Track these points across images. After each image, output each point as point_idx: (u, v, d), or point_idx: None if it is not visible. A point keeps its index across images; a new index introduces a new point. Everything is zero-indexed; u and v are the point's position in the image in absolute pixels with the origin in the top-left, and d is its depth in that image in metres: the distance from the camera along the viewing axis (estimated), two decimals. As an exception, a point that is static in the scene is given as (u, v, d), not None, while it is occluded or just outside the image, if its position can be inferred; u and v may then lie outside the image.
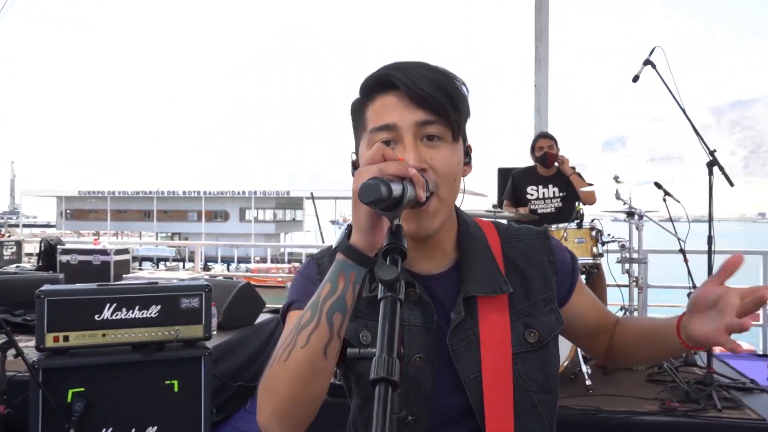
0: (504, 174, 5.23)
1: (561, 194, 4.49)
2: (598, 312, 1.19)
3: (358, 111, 1.04)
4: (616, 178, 4.02)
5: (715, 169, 3.33)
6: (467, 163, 1.06)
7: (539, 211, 4.50)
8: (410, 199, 0.81)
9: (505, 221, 1.26)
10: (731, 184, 3.35)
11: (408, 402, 0.97)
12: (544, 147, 4.47)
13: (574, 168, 4.44)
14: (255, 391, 0.89)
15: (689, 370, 3.62)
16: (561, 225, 3.87)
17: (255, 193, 42.75)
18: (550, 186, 4.51)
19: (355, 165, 1.06)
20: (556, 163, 4.49)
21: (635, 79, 3.60)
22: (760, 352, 5.38)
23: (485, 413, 0.97)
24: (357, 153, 1.06)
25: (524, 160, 4.85)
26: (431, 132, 0.97)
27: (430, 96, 0.95)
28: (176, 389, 2.70)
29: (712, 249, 3.36)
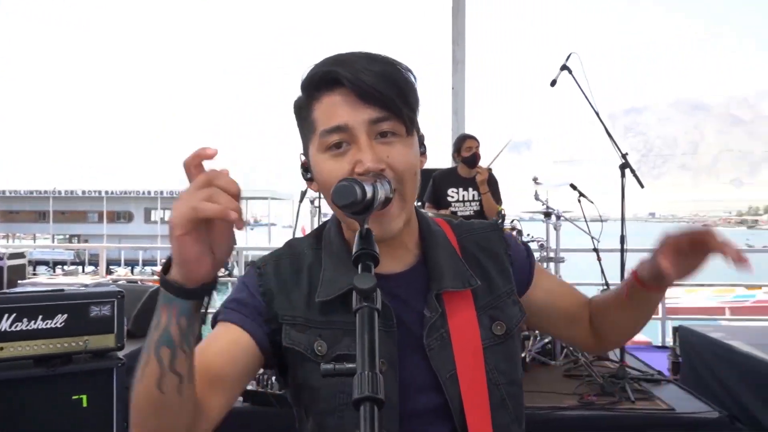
0: (423, 174, 5.24)
1: (480, 198, 4.55)
2: (570, 295, 1.16)
3: (304, 110, 0.98)
4: (535, 180, 4.13)
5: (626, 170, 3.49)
6: (422, 152, 1.03)
7: (459, 213, 4.54)
8: (380, 201, 0.78)
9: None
10: (641, 186, 3.51)
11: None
12: (473, 147, 4.51)
13: (488, 189, 4.49)
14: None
15: (603, 365, 3.77)
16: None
17: (161, 192, 41.11)
18: (470, 189, 4.56)
19: (304, 166, 1.01)
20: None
21: (553, 83, 3.72)
22: (659, 344, 5.72)
23: (465, 411, 0.93)
24: (306, 154, 1.00)
25: (443, 160, 4.89)
26: (384, 129, 0.93)
27: (378, 92, 0.90)
28: (85, 404, 2.52)
29: (624, 247, 3.52)
